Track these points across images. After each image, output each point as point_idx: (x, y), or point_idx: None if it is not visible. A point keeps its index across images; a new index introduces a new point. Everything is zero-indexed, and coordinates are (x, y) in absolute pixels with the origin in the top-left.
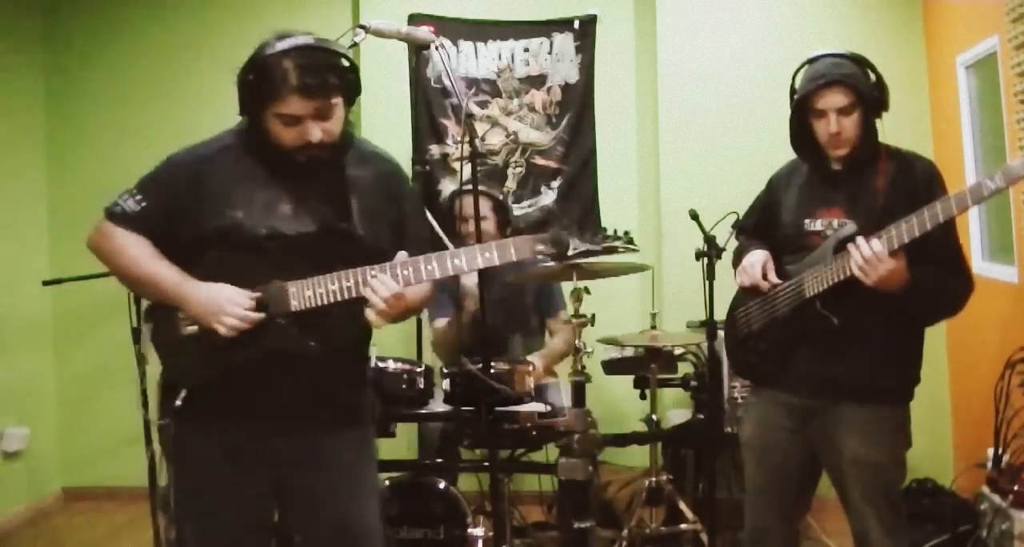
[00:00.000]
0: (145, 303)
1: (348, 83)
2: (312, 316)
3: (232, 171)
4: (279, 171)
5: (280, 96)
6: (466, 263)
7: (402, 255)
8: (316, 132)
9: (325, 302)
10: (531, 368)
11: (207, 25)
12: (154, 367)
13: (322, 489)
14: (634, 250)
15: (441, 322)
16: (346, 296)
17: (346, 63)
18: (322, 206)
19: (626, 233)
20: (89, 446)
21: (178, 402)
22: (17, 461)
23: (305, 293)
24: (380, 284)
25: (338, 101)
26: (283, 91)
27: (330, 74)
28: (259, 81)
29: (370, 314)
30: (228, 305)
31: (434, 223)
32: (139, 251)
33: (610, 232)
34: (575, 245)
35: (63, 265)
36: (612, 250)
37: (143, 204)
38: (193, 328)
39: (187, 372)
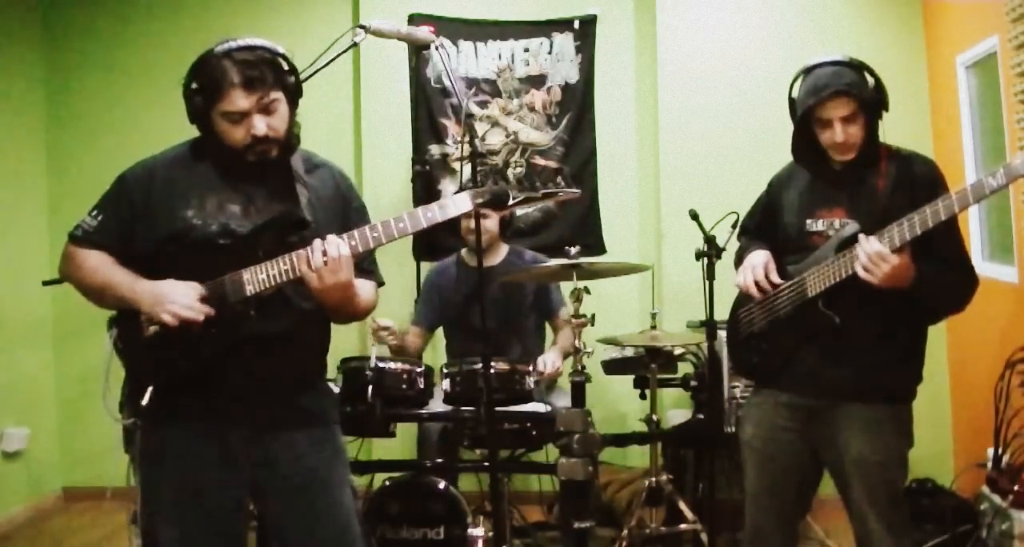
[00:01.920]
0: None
1: (287, 82)
2: (271, 303)
3: (183, 177)
4: (229, 173)
5: (223, 93)
6: (410, 224)
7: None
8: (261, 126)
9: (278, 282)
10: (544, 367)
11: (207, 24)
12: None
13: (296, 489)
14: (573, 193)
15: (413, 329)
16: (296, 274)
17: (284, 64)
18: (271, 203)
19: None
20: (89, 446)
21: (144, 401)
22: (17, 461)
23: (258, 277)
24: (313, 249)
25: (279, 96)
26: (224, 87)
27: (268, 69)
28: (202, 84)
29: (309, 278)
30: (172, 295)
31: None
32: (96, 263)
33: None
34: (514, 195)
35: None
36: (552, 195)
37: (99, 218)
38: (155, 328)
39: (154, 371)
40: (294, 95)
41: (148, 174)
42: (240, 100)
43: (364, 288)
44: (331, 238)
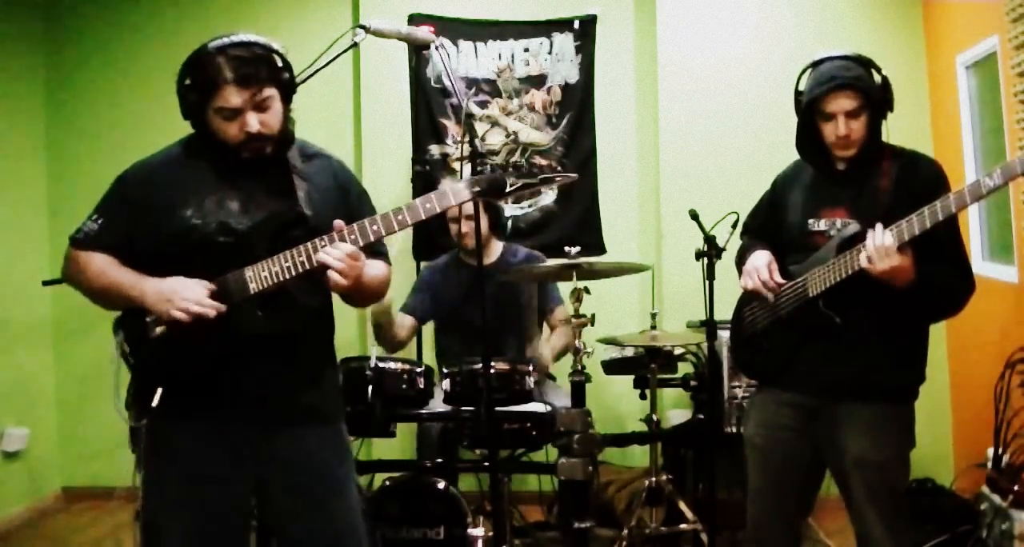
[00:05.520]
0: (114, 315)
1: (280, 78)
2: (275, 300)
3: (180, 176)
4: (225, 171)
5: (216, 89)
6: (409, 216)
7: (339, 223)
8: (254, 122)
9: (282, 279)
10: (535, 364)
11: (208, 24)
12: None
13: (303, 488)
14: (571, 177)
15: (404, 319)
16: (300, 270)
17: (278, 60)
18: (269, 199)
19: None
20: (89, 446)
21: (155, 402)
22: (17, 461)
23: (261, 274)
24: (333, 248)
25: (273, 93)
26: (218, 83)
27: (262, 65)
28: (196, 80)
29: (333, 277)
30: (182, 291)
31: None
32: (100, 265)
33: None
34: (511, 182)
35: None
36: (549, 181)
37: (99, 221)
38: (162, 329)
39: (162, 371)
40: (288, 91)
41: (147, 174)
42: (233, 97)
43: (376, 267)
44: (335, 244)
